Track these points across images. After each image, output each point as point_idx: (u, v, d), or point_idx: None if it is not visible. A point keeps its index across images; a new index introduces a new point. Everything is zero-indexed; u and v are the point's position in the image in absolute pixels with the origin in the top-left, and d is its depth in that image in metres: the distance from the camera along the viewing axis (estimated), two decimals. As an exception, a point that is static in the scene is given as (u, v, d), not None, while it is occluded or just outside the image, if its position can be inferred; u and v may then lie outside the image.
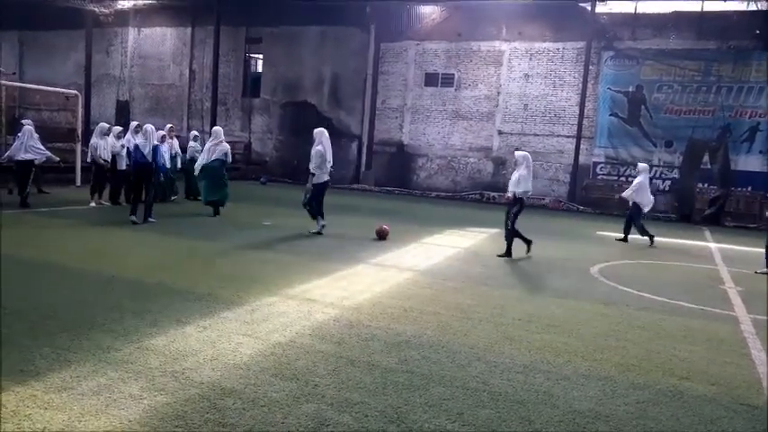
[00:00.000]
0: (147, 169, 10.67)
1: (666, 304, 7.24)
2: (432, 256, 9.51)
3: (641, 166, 13.13)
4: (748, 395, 4.44)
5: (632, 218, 12.51)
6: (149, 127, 10.87)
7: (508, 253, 9.78)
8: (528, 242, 10.02)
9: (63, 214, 11.35)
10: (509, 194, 9.80)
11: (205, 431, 3.34)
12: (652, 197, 12.69)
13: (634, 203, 12.47)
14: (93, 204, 12.49)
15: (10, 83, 21.88)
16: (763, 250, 9.75)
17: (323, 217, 10.86)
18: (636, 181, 12.70)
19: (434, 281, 7.74)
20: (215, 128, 13.79)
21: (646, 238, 12.33)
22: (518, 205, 9.73)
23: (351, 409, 3.74)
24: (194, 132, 16.26)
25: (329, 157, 10.75)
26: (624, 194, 12.85)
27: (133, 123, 12.99)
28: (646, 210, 12.53)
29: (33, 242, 8.62)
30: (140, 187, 10.84)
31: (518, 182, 9.63)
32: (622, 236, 12.68)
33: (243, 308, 5.82)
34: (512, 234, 9.78)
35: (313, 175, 10.66)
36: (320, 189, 10.77)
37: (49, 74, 28.11)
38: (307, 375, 4.22)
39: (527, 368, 4.68)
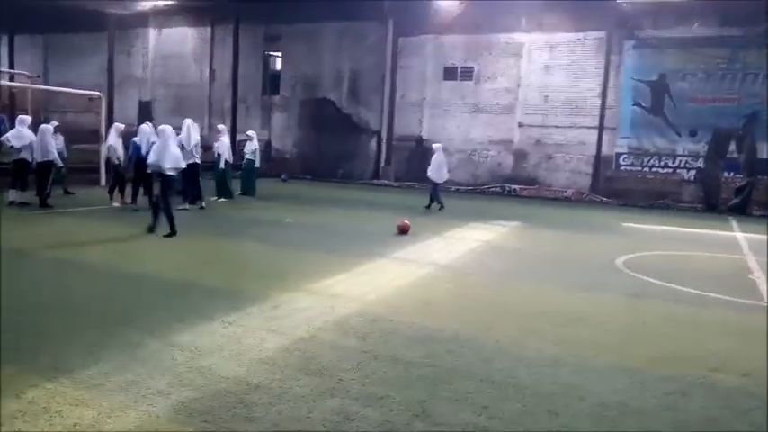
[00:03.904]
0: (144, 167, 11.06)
1: (694, 295, 7.11)
2: (453, 250, 9.47)
3: (436, 146, 15.15)
4: (781, 387, 4.34)
5: (434, 190, 14.79)
6: (144, 127, 11.83)
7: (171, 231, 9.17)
8: (154, 226, 9.33)
9: (88, 215, 11.51)
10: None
11: (232, 426, 3.36)
12: (446, 173, 15.00)
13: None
14: (116, 204, 12.60)
15: (35, 86, 22.30)
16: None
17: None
18: (433, 159, 14.70)
19: (457, 275, 7.70)
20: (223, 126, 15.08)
21: (438, 206, 14.59)
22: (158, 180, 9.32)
23: (376, 403, 3.74)
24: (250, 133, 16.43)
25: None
26: (429, 175, 14.77)
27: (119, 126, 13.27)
28: (440, 182, 14.82)
29: (59, 242, 8.76)
30: (139, 185, 11.83)
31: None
32: (428, 204, 14.85)
33: (266, 303, 5.85)
34: (162, 211, 9.26)
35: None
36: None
37: (73, 76, 28.53)
38: (331, 370, 4.23)
39: (553, 361, 4.64)
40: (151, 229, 9.35)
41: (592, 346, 5.04)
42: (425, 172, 15.07)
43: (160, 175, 9.26)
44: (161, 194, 9.32)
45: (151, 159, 9.34)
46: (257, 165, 15.74)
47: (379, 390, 3.93)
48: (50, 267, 7.08)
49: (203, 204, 12.71)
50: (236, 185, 15.01)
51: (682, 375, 4.47)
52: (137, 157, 11.58)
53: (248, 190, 15.58)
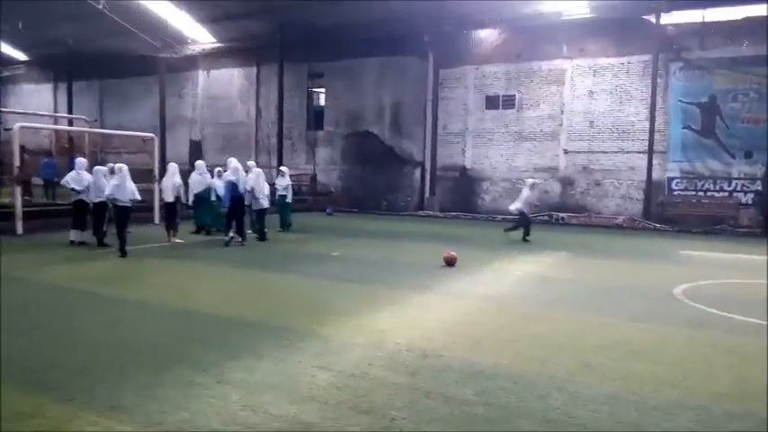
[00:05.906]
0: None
1: (758, 326, 6.77)
2: (502, 282, 9.32)
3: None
4: None
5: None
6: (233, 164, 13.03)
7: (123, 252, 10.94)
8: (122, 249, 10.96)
9: (142, 253, 11.85)
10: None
11: (286, 466, 3.35)
12: (517, 204, 14.98)
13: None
14: (177, 241, 12.93)
15: (92, 129, 23.40)
16: None
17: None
18: None
19: (507, 307, 7.56)
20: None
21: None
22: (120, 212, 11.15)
23: (429, 443, 3.66)
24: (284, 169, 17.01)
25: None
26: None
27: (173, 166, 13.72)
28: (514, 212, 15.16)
29: (113, 279, 9.04)
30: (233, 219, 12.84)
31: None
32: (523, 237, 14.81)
33: (316, 339, 5.86)
34: (120, 241, 11.04)
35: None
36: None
37: (128, 119, 29.85)
38: (383, 408, 4.18)
39: (612, 398, 4.47)
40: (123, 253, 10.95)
41: (652, 381, 4.84)
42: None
43: (117, 206, 11.09)
44: (119, 222, 11.05)
45: (108, 192, 11.07)
46: (289, 200, 16.03)
47: (432, 429, 3.86)
48: (104, 305, 7.30)
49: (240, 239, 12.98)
50: (272, 221, 15.22)
51: (750, 412, 4.24)
52: (232, 195, 12.60)
53: (285, 225, 15.83)
